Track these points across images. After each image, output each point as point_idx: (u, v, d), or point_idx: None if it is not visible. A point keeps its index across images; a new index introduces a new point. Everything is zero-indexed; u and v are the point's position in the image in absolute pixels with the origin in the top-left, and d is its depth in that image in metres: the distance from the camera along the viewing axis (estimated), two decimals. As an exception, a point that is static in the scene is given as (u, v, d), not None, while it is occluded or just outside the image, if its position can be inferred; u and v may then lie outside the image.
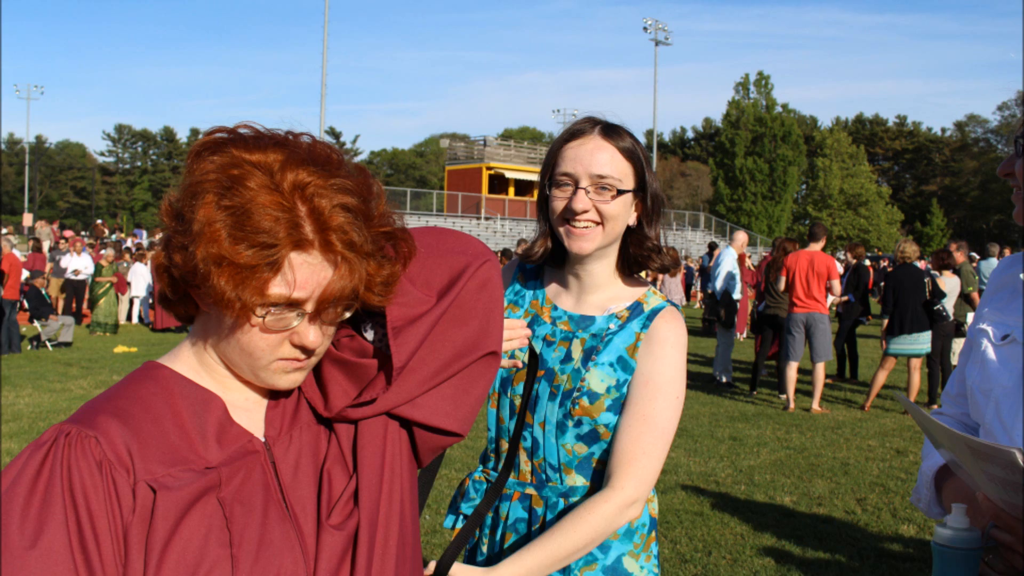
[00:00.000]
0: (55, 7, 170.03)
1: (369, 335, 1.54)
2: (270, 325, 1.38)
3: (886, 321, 12.45)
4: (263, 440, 1.48)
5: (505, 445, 2.39)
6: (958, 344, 13.16)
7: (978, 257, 21.44)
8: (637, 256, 2.41)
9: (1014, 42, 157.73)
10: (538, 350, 2.33)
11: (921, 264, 15.54)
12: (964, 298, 13.42)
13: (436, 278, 1.55)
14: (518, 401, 2.35)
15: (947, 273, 13.00)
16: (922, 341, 12.19)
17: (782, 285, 12.66)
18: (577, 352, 2.34)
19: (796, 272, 12.20)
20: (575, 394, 2.28)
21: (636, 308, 2.37)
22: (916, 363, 12.32)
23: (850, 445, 10.28)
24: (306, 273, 1.35)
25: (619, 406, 2.29)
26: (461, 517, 2.48)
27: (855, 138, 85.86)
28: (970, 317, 13.61)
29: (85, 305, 23.25)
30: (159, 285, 1.45)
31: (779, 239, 14.05)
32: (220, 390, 1.48)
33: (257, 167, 1.35)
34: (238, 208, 1.31)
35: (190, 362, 1.49)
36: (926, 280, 12.29)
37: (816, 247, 12.49)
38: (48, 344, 18.42)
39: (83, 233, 38.53)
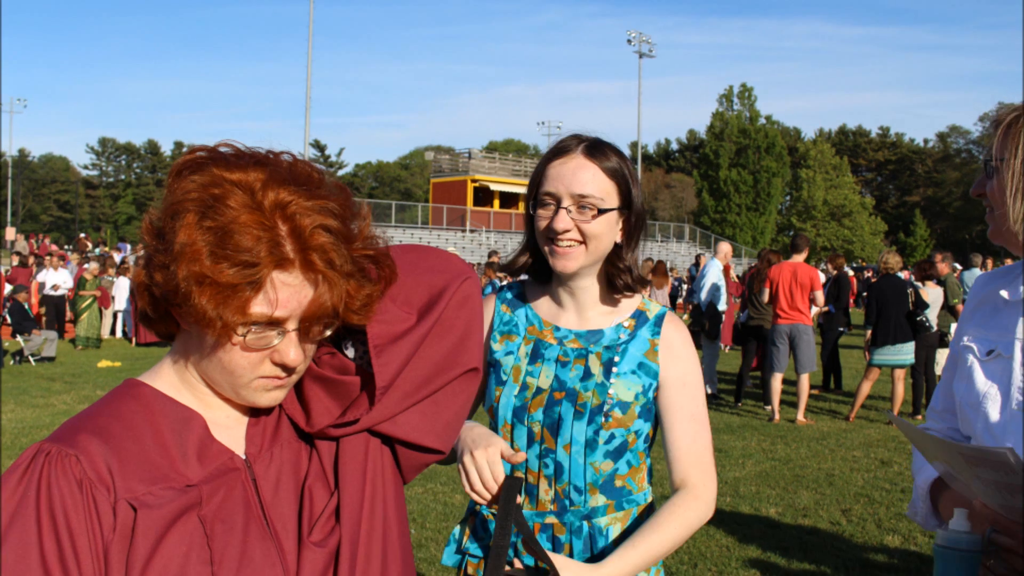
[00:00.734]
0: (38, 20, 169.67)
1: (350, 352, 1.54)
2: (251, 344, 1.38)
3: (869, 332, 12.50)
4: (244, 458, 1.48)
5: (521, 477, 2.31)
6: (942, 354, 13.20)
7: (960, 268, 21.55)
8: (608, 273, 2.39)
9: (995, 54, 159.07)
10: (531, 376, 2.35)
11: (904, 275, 15.59)
12: (949, 310, 13.46)
13: (416, 296, 1.56)
14: (537, 428, 2.31)
15: (930, 284, 13.06)
16: (906, 352, 12.24)
17: (766, 297, 12.70)
18: (596, 366, 2.33)
19: (779, 284, 12.24)
20: (605, 407, 2.27)
21: (640, 316, 2.41)
22: (900, 374, 12.37)
23: (835, 456, 10.31)
24: (287, 292, 1.36)
25: (647, 412, 2.33)
26: (467, 558, 2.41)
27: (838, 149, 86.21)
28: (954, 328, 13.65)
29: (68, 319, 23.13)
30: (140, 303, 1.45)
31: (764, 250, 14.10)
32: (201, 408, 1.48)
33: (238, 186, 1.35)
34: (219, 227, 1.32)
35: (171, 380, 1.49)
36: (909, 291, 12.35)
37: (799, 259, 12.53)
38: (31, 359, 18.33)
39: (67, 247, 38.32)
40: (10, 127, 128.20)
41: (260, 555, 1.40)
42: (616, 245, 2.37)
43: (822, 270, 26.45)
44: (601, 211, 2.27)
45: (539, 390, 2.33)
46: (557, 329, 2.42)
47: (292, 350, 1.41)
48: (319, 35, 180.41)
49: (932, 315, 12.70)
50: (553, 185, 2.29)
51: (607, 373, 2.31)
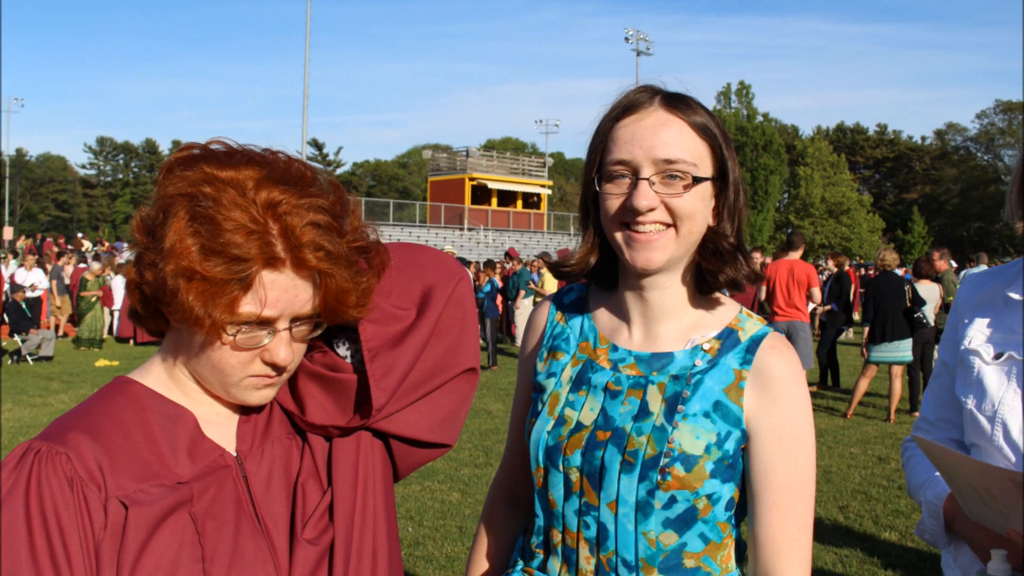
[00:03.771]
0: (36, 19, 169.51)
1: (342, 350, 1.54)
2: (241, 343, 1.38)
3: (867, 329, 12.51)
4: (235, 455, 1.48)
5: (558, 536, 1.81)
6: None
7: (956, 265, 21.54)
8: (708, 267, 1.81)
9: (992, 51, 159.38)
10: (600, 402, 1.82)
11: (903, 272, 15.58)
12: (946, 308, 13.46)
13: (410, 292, 1.56)
14: (575, 476, 1.77)
15: (925, 281, 13.07)
16: (903, 349, 12.25)
17: (763, 294, 12.71)
18: (656, 402, 1.75)
19: (776, 281, 12.25)
20: (663, 460, 1.69)
21: (729, 337, 1.80)
22: (898, 370, 12.38)
23: (832, 453, 10.31)
24: (277, 291, 1.36)
25: (726, 470, 1.73)
26: None
27: (836, 147, 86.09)
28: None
29: (53, 319, 22.91)
30: (131, 300, 1.45)
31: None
32: (191, 405, 1.48)
33: (229, 184, 1.35)
34: (210, 225, 1.32)
35: (161, 377, 1.49)
36: (906, 288, 12.37)
37: (795, 256, 12.55)
38: (29, 358, 18.30)
39: (67, 247, 38.22)
40: (7, 126, 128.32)
41: (251, 552, 1.40)
42: (710, 228, 1.80)
43: (820, 268, 26.47)
44: (696, 180, 1.73)
45: (579, 426, 1.79)
46: (614, 348, 1.86)
47: (282, 349, 1.41)
48: (317, 34, 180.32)
49: (929, 312, 12.72)
50: (627, 150, 1.72)
51: (670, 413, 1.73)
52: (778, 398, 1.73)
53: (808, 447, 1.76)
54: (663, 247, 1.72)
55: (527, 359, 2.03)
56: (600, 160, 1.78)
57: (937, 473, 2.08)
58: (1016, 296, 2.02)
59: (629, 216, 1.72)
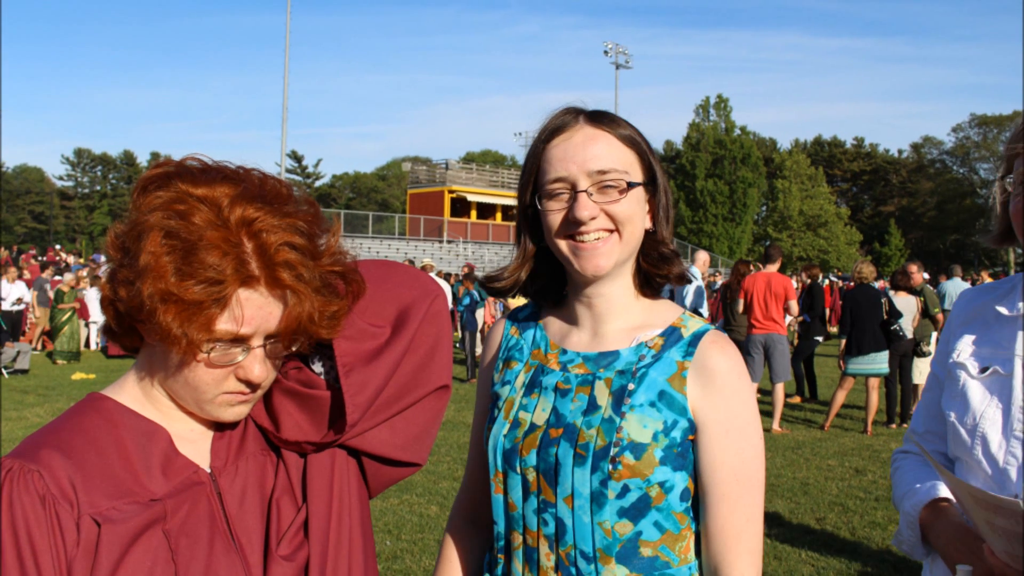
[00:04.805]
0: (13, 30, 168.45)
1: (316, 367, 1.55)
2: (215, 360, 1.39)
3: (844, 341, 12.58)
4: (209, 471, 1.48)
5: (519, 538, 1.86)
6: (919, 363, 13.27)
7: (927, 277, 21.67)
8: (653, 270, 1.93)
9: (968, 66, 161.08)
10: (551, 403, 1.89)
11: (880, 284, 15.67)
12: (931, 319, 13.50)
13: (385, 310, 1.57)
14: (532, 476, 1.83)
15: (902, 293, 13.16)
16: (880, 361, 12.31)
17: (740, 307, 12.76)
18: (603, 396, 1.82)
19: (754, 294, 12.31)
20: (613, 451, 1.75)
21: (672, 334, 1.87)
22: (874, 383, 12.44)
23: (810, 465, 10.36)
24: (252, 309, 1.36)
25: (676, 458, 1.78)
26: None
27: (814, 160, 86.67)
28: (934, 337, 13.71)
29: (30, 331, 22.71)
30: (105, 317, 1.45)
31: (737, 263, 14.15)
32: (165, 421, 1.48)
33: (203, 202, 1.36)
34: (184, 245, 1.32)
35: (135, 393, 1.49)
36: (883, 300, 12.44)
37: (772, 268, 12.61)
38: (4, 371, 18.15)
39: (42, 258, 37.88)
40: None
41: (225, 569, 1.40)
42: (646, 232, 1.91)
43: (797, 277, 26.54)
44: (630, 185, 1.83)
45: (533, 427, 1.85)
46: (564, 352, 1.94)
47: (257, 366, 1.41)
48: (297, 45, 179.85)
49: (906, 324, 12.80)
50: (562, 167, 1.83)
51: (617, 405, 1.79)
52: (721, 391, 1.80)
53: (754, 439, 1.83)
54: (608, 252, 1.82)
55: (485, 374, 2.10)
56: (536, 182, 1.90)
57: (918, 485, 2.11)
58: (1005, 311, 2.03)
59: (573, 228, 1.82)
